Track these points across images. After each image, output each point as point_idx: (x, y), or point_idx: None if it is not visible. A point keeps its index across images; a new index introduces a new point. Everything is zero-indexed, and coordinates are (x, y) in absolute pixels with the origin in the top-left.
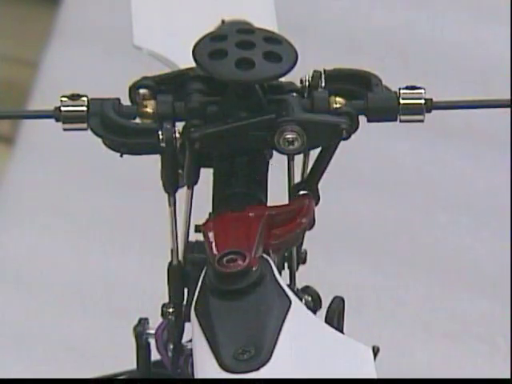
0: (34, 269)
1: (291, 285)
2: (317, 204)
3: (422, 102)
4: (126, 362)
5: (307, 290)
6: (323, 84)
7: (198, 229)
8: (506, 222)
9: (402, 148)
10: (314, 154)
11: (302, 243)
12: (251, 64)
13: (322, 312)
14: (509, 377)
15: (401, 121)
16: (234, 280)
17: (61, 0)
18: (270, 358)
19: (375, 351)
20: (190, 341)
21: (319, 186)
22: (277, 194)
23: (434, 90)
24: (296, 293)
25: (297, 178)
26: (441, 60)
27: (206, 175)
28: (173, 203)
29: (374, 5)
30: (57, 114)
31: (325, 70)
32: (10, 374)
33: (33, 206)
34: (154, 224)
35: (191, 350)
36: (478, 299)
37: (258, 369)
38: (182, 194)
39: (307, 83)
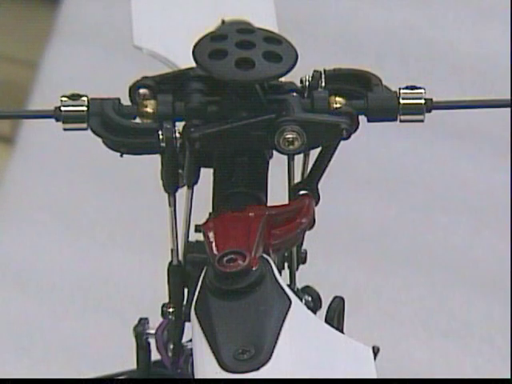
0: (34, 268)
1: (291, 285)
2: (317, 204)
3: (422, 101)
4: (126, 362)
5: (307, 289)
6: (323, 84)
7: (197, 229)
8: (506, 222)
9: (402, 147)
10: (314, 154)
11: (302, 243)
12: (251, 64)
13: (322, 312)
14: (509, 377)
15: (401, 121)
16: (234, 280)
17: (61, 0)
18: (269, 358)
19: (375, 351)
20: (190, 341)
21: (319, 185)
22: (277, 193)
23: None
24: (296, 293)
25: (297, 178)
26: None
27: (206, 175)
28: (173, 203)
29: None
30: (57, 114)
31: (325, 70)
32: (10, 374)
33: (33, 205)
34: (154, 224)
35: (191, 349)
36: (477, 299)
37: (258, 369)
38: (182, 194)
39: (307, 83)
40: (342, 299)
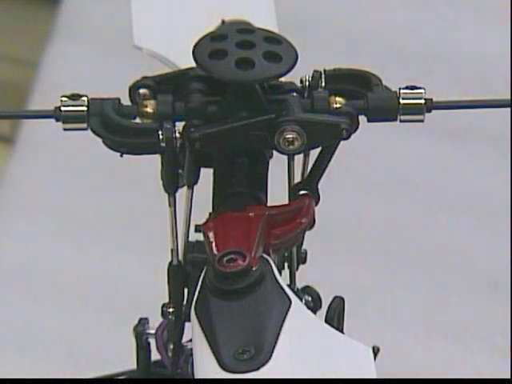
0: (34, 268)
1: (291, 285)
2: (317, 204)
3: (422, 101)
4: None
5: (307, 289)
6: (323, 84)
7: (197, 229)
8: (506, 222)
9: (402, 147)
10: (314, 154)
11: (302, 243)
12: (251, 64)
13: (322, 312)
14: (509, 377)
15: (401, 121)
16: (234, 280)
17: (61, 0)
18: (270, 358)
19: (375, 351)
20: (190, 341)
21: (319, 185)
22: (277, 194)
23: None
24: (296, 293)
25: (297, 178)
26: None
27: (206, 175)
28: (173, 203)
29: None
30: (57, 114)
31: (325, 70)
32: (10, 374)
33: (33, 205)
34: (154, 224)
35: (191, 349)
36: (478, 299)
37: (257, 369)
38: (182, 194)
39: (307, 83)
40: (342, 299)
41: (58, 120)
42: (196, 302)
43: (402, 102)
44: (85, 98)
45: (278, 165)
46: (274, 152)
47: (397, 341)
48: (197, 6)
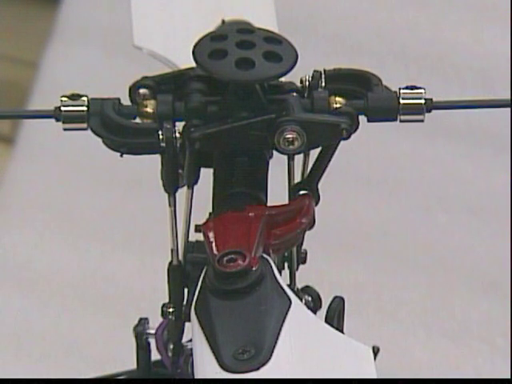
0: (34, 268)
1: (291, 285)
2: (317, 204)
3: (422, 101)
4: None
5: (307, 289)
6: (323, 84)
7: (197, 229)
8: (506, 222)
9: (402, 147)
10: (314, 154)
11: (302, 243)
12: (251, 64)
13: (322, 312)
14: (509, 377)
15: (401, 121)
16: (234, 280)
17: (61, 0)
18: (270, 358)
19: (375, 351)
20: (190, 341)
21: (319, 185)
22: (277, 194)
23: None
24: (296, 293)
25: (297, 178)
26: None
27: (206, 175)
28: (173, 203)
29: None
30: (57, 114)
31: (325, 70)
32: (9, 374)
33: (33, 205)
34: (154, 224)
35: (191, 349)
36: (478, 299)
37: (257, 369)
38: (182, 194)
39: (307, 83)
40: (342, 299)
41: (57, 120)
42: (196, 301)
43: (401, 101)
44: (85, 98)
45: (277, 165)
46: (274, 152)
47: (396, 340)
48: (197, 6)
